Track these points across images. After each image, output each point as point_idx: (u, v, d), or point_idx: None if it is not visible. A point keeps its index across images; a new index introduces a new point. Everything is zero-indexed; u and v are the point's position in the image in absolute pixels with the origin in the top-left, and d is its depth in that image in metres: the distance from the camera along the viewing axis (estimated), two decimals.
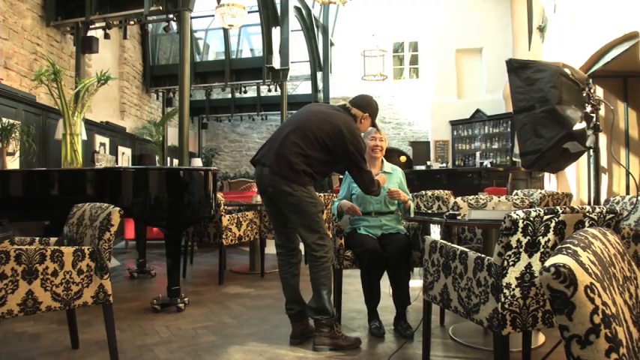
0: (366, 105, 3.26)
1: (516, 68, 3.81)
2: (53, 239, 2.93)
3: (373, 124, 3.33)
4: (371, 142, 3.53)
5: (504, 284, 1.97)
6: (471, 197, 4.20)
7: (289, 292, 3.15)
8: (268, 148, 3.09)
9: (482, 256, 2.13)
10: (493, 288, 2.01)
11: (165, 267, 4.01)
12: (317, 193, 3.10)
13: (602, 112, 4.80)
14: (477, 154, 12.13)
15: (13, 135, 5.33)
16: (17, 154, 5.78)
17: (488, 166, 10.73)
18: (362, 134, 3.53)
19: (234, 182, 11.39)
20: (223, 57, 11.93)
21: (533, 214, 1.97)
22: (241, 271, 5.53)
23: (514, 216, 1.95)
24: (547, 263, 0.90)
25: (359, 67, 13.80)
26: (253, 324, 3.50)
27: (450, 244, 2.39)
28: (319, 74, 13.50)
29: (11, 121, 5.45)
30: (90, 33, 7.74)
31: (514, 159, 10.74)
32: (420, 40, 15.19)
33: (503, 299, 1.97)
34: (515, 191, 5.54)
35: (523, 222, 1.96)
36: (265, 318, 3.65)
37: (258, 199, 5.46)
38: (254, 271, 5.44)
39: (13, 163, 5.59)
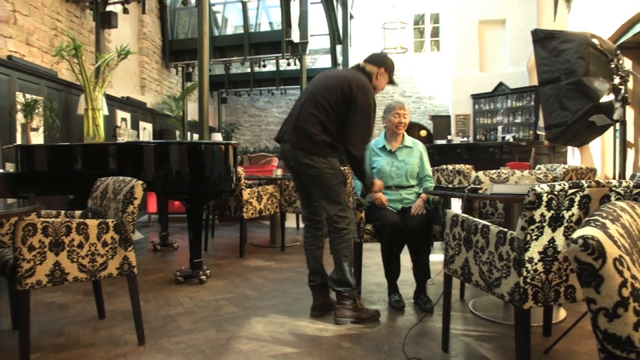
0: (381, 61, 3.14)
1: (542, 39, 3.72)
2: (78, 212, 2.99)
3: (391, 81, 3.19)
4: (395, 118, 3.49)
5: (527, 258, 1.95)
6: (493, 171, 4.15)
7: (312, 264, 3.17)
8: (288, 123, 3.07)
9: (505, 230, 2.11)
10: (515, 262, 1.99)
11: (187, 240, 4.08)
12: (339, 165, 3.06)
13: (630, 84, 4.67)
14: (499, 128, 11.92)
15: (37, 111, 5.40)
16: (41, 129, 5.86)
17: (511, 140, 10.55)
18: (385, 107, 3.50)
19: (254, 156, 11.43)
20: (242, 31, 11.85)
21: (558, 187, 1.93)
22: (262, 245, 5.59)
23: (538, 189, 1.92)
24: (575, 235, 0.88)
25: (379, 39, 13.58)
26: (274, 296, 3.54)
27: (471, 217, 2.36)
28: (338, 47, 13.32)
29: (34, 97, 5.52)
30: (109, 8, 7.74)
31: (538, 132, 10.55)
32: (441, 11, 14.85)
33: (525, 273, 1.96)
34: (537, 166, 5.46)
35: (547, 196, 1.92)
36: (286, 290, 3.70)
37: (279, 172, 5.48)
38: (274, 244, 5.49)
39: (37, 139, 5.68)
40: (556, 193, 1.93)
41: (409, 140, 3.59)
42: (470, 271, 2.31)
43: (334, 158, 2.99)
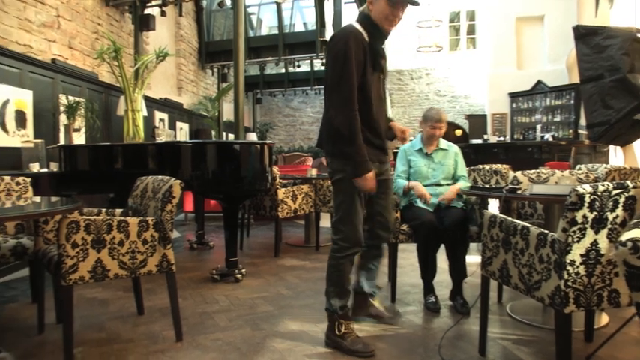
0: None
1: (584, 35, 3.62)
2: (118, 211, 3.07)
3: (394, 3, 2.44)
4: (431, 130, 3.46)
5: (568, 261, 1.90)
6: (532, 171, 4.05)
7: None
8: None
9: (545, 231, 2.06)
10: (556, 265, 1.94)
11: (222, 239, 4.13)
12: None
13: None
14: (538, 127, 11.64)
15: (79, 112, 5.58)
16: (83, 130, 6.04)
17: (550, 139, 10.29)
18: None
19: (288, 156, 11.50)
20: (276, 31, 11.92)
21: (601, 188, 1.87)
22: (296, 244, 5.61)
23: (580, 190, 1.87)
24: (623, 237, 0.85)
25: (414, 38, 13.47)
26: (308, 295, 3.55)
27: (510, 219, 2.31)
28: None
29: (76, 98, 5.69)
30: (147, 11, 7.92)
31: (579, 131, 10.26)
32: (477, 8, 14.60)
33: (566, 276, 1.90)
34: (578, 166, 5.31)
35: (590, 197, 1.87)
36: (320, 290, 3.68)
37: (313, 172, 5.49)
38: (309, 244, 5.50)
39: (79, 139, 5.86)
40: (599, 194, 1.87)
41: (444, 143, 3.58)
42: (509, 274, 2.26)
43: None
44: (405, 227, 3.34)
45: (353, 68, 2.37)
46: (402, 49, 14.54)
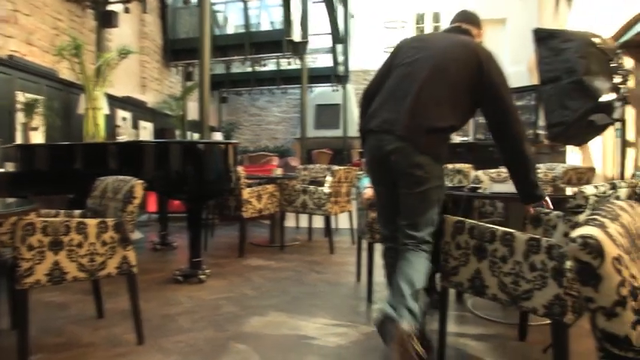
0: (479, 20, 2.59)
1: (543, 38, 3.72)
2: (77, 212, 2.99)
3: None
4: None
5: (569, 268, 1.78)
6: (493, 170, 4.15)
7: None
8: (394, 108, 2.33)
9: (537, 237, 1.95)
10: (555, 272, 1.85)
11: (186, 239, 4.07)
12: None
13: (631, 83, 4.66)
14: None
15: (37, 110, 5.41)
16: (41, 129, 5.86)
17: None
18: None
19: (254, 156, 11.43)
20: (243, 30, 11.84)
21: (602, 189, 1.83)
22: (262, 244, 5.58)
23: (587, 191, 1.78)
24: (574, 234, 0.88)
25: (380, 38, 13.59)
26: (274, 295, 3.54)
27: (484, 224, 2.13)
28: (339, 47, 13.31)
29: (34, 96, 5.52)
30: (110, 7, 7.74)
31: (538, 132, 10.53)
32: (441, 10, 14.85)
33: (566, 284, 1.81)
34: (537, 165, 5.45)
35: (593, 198, 1.79)
36: (285, 290, 3.69)
37: (278, 172, 5.47)
38: (274, 243, 5.48)
39: (37, 138, 5.68)
40: (600, 195, 1.81)
41: None
42: (483, 284, 2.09)
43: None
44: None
45: None
46: (367, 50, 14.65)
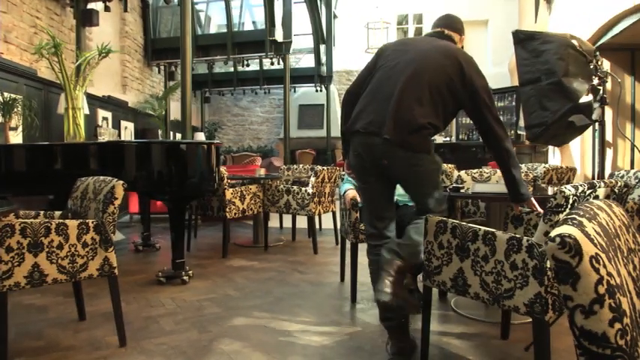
0: (461, 26, 2.68)
1: (523, 40, 3.76)
2: (58, 213, 2.94)
3: None
4: None
5: (549, 266, 1.78)
6: (475, 171, 4.19)
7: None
8: (378, 111, 2.39)
9: (517, 236, 1.96)
10: (536, 271, 1.87)
11: (169, 240, 4.04)
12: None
13: (608, 85, 4.74)
14: None
15: (15, 110, 5.31)
16: (20, 128, 5.75)
17: None
18: None
19: (237, 156, 11.39)
20: (225, 30, 11.76)
21: (580, 189, 1.85)
22: (245, 245, 5.56)
23: (567, 191, 1.80)
24: (552, 233, 0.89)
25: (362, 39, 13.63)
26: (257, 296, 3.53)
27: (466, 223, 2.16)
28: (322, 47, 13.31)
29: (13, 95, 5.42)
30: (90, 5, 7.63)
31: (519, 132, 10.67)
32: (424, 12, 14.95)
33: (546, 282, 1.84)
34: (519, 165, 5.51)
35: (573, 198, 1.82)
36: (269, 290, 3.69)
37: (262, 172, 5.46)
38: (257, 244, 5.47)
39: (15, 138, 5.58)
40: (579, 195, 1.84)
41: None
42: (466, 283, 2.12)
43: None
44: (363, 226, 3.34)
45: None
46: (351, 50, 14.69)
